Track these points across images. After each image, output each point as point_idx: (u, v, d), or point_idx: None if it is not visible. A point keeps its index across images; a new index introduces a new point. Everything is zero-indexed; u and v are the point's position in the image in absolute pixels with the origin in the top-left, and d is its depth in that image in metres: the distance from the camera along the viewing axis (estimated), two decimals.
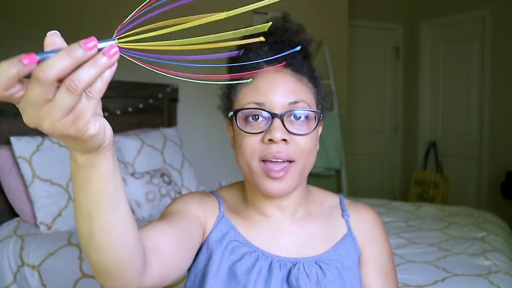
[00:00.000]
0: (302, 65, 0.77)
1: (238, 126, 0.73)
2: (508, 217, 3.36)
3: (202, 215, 0.80)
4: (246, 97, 0.74)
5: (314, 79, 0.78)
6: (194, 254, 0.77)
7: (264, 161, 0.72)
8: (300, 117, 0.72)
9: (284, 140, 0.71)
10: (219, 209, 0.82)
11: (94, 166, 0.47)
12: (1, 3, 2.44)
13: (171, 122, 3.07)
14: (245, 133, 0.72)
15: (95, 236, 0.51)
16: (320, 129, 0.82)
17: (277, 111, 0.71)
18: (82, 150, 0.45)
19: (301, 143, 0.72)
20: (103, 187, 0.49)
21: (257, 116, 0.72)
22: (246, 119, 0.73)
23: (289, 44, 0.78)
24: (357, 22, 4.45)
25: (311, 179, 0.84)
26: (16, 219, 2.11)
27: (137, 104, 2.83)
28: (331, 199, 0.88)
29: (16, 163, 2.04)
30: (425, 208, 2.68)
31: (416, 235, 2.11)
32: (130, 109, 2.77)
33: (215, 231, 0.79)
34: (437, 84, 4.59)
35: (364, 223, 0.85)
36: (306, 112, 0.73)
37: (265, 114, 0.72)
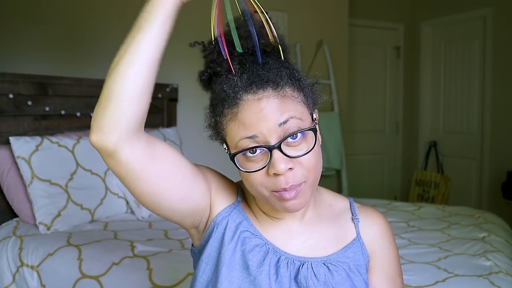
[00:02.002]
0: (279, 72, 0.71)
1: (240, 169, 0.72)
2: (509, 217, 3.35)
3: (214, 188, 0.80)
4: (236, 134, 0.70)
5: (296, 82, 0.73)
6: (188, 203, 0.74)
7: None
8: (296, 137, 0.70)
9: (290, 168, 0.69)
10: (237, 197, 0.82)
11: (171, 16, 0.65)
12: (3, 4, 2.44)
13: (170, 122, 3.06)
14: (249, 173, 0.71)
15: (126, 54, 0.62)
16: (317, 118, 0.77)
17: (272, 139, 0.68)
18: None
19: (306, 162, 0.70)
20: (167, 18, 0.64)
21: (254, 149, 0.70)
22: (244, 155, 0.71)
23: (257, 49, 0.72)
24: (358, 22, 4.44)
25: None
26: (15, 219, 2.11)
27: None
28: (341, 202, 0.87)
29: (15, 163, 2.04)
30: (426, 208, 2.67)
31: (417, 235, 2.10)
32: None
33: (230, 221, 0.79)
34: (438, 84, 4.58)
35: (373, 229, 0.85)
36: (300, 131, 0.70)
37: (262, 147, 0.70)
